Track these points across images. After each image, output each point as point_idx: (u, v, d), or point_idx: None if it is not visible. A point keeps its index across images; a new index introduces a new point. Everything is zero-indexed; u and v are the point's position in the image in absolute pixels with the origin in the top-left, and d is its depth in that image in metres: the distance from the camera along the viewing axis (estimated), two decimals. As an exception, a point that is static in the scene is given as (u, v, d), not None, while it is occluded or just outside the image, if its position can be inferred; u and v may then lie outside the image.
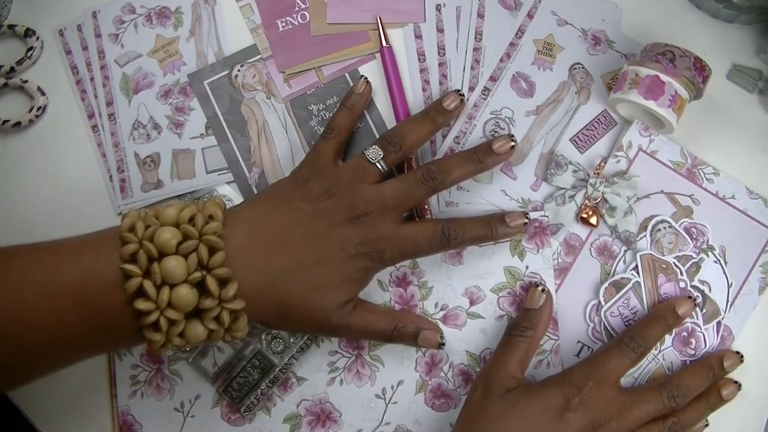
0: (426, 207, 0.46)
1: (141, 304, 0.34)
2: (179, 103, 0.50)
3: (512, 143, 0.42)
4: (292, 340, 0.45)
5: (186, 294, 0.34)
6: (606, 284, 0.46)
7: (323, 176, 0.41)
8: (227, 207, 0.40)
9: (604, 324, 0.45)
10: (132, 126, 0.50)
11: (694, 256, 0.46)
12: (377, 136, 0.49)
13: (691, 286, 0.46)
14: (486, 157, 0.42)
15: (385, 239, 0.40)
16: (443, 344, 0.43)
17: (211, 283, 0.35)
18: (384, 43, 0.49)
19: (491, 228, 0.42)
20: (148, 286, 0.34)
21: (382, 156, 0.42)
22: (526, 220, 0.42)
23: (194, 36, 0.52)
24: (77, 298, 0.34)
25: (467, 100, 0.49)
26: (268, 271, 0.38)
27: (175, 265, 0.34)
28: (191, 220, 0.36)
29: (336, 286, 0.39)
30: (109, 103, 0.51)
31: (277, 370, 0.45)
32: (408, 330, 0.42)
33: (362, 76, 0.44)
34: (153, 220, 0.36)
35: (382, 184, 0.41)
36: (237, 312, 0.36)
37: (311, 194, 0.40)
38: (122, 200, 0.49)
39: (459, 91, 0.44)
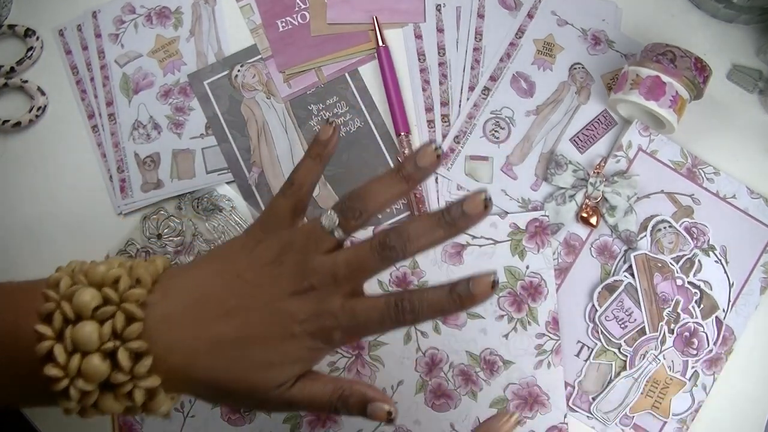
0: (421, 206, 0.46)
1: (50, 370, 0.31)
2: (179, 103, 0.50)
3: (485, 203, 0.34)
4: (292, 340, 0.45)
5: (97, 365, 0.31)
6: (599, 288, 0.46)
7: (275, 240, 0.37)
8: (174, 263, 0.37)
9: (601, 329, 0.45)
10: (132, 126, 0.50)
11: (691, 254, 0.46)
12: (377, 137, 0.49)
13: (689, 283, 0.46)
14: (458, 220, 0.34)
15: (333, 315, 0.34)
16: (393, 419, 0.35)
17: (123, 357, 0.31)
18: (380, 43, 0.49)
19: (453, 298, 0.33)
20: (59, 351, 0.31)
21: (338, 223, 0.35)
22: (493, 285, 0.33)
23: (194, 36, 0.52)
24: None
25: (469, 104, 0.49)
26: (196, 347, 0.34)
27: (89, 331, 0.31)
28: (117, 281, 0.33)
29: (275, 367, 0.34)
30: (109, 103, 0.51)
31: (277, 370, 0.45)
32: (353, 400, 0.36)
33: (330, 121, 0.40)
34: (80, 278, 0.33)
35: (335, 254, 0.35)
36: (153, 389, 0.33)
37: (259, 261, 0.36)
38: (122, 200, 0.49)
39: (434, 143, 0.37)
